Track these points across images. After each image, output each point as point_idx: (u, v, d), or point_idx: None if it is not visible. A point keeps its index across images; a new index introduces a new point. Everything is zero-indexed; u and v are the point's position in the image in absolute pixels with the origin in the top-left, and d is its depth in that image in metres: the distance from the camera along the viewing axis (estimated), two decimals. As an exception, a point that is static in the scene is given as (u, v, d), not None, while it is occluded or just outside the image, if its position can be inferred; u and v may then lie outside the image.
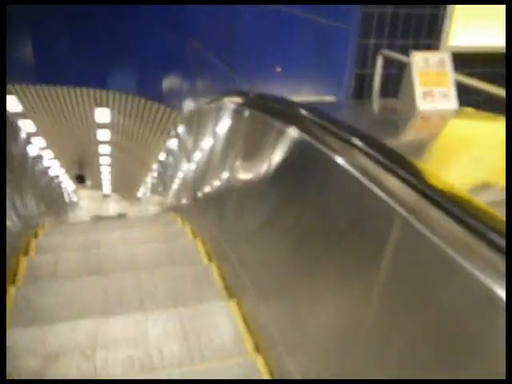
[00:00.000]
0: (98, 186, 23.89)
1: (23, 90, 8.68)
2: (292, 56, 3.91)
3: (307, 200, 1.56)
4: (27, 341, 1.98)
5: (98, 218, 10.12)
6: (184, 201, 4.94)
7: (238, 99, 2.60)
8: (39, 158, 7.59)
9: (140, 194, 13.35)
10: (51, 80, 8.14)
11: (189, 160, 4.79)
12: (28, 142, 5.79)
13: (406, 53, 2.36)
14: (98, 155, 15.74)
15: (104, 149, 14.37)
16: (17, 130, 4.84)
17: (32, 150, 6.15)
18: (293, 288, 1.59)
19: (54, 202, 9.03)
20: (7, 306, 2.28)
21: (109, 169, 17.87)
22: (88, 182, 18.95)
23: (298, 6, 3.47)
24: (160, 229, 4.11)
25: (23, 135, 5.22)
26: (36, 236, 3.95)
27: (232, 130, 2.79)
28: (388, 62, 3.00)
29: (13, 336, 1.95)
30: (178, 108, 7.87)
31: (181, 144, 5.81)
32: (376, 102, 2.99)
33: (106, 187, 23.20)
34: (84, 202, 23.74)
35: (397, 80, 2.36)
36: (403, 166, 1.04)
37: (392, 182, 1.04)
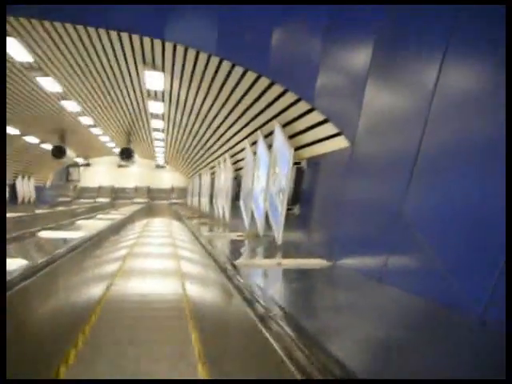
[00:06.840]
0: (150, 157, 21.18)
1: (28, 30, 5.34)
2: None
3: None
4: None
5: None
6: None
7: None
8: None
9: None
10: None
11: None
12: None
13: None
14: (149, 129, 12.51)
15: (157, 123, 11.05)
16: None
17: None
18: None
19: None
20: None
21: (162, 143, 14.66)
22: (135, 158, 15.90)
23: None
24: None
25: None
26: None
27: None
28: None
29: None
30: (299, 89, 4.09)
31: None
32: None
33: (160, 159, 22.30)
34: (137, 169, 23.99)
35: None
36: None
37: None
